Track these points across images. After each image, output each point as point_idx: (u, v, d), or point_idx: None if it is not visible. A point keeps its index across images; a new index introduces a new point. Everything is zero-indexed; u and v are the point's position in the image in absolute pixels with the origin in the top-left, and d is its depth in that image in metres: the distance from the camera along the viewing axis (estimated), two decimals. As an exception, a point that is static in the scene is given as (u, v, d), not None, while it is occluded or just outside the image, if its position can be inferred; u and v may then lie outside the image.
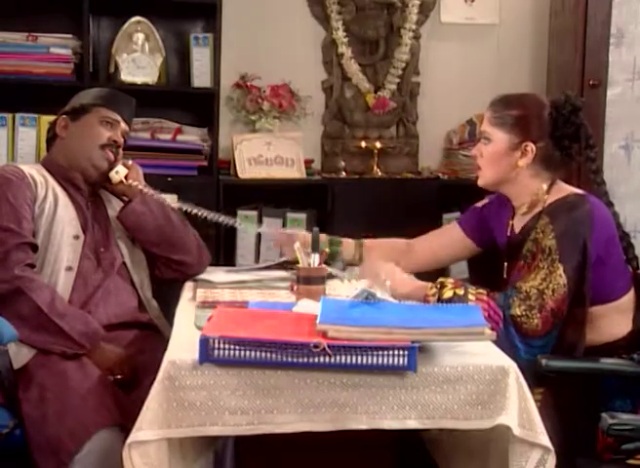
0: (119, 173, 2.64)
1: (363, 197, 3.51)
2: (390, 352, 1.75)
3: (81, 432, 2.09)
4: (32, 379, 2.23)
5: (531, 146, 2.37)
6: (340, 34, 3.80)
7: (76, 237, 2.49)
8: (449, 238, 2.68)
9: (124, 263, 2.60)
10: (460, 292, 2.22)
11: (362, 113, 3.88)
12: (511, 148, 2.39)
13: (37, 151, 3.42)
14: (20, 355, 2.27)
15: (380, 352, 1.74)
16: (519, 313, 2.20)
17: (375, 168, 3.76)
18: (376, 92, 3.87)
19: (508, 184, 2.44)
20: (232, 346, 1.74)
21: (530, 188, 2.40)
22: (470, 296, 2.21)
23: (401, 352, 1.75)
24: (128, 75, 3.46)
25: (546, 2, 3.89)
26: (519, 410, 1.80)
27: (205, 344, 1.74)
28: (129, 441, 1.73)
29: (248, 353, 1.74)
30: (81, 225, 2.53)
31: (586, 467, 2.11)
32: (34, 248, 2.40)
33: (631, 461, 2.05)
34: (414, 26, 3.84)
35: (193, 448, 1.91)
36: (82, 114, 2.63)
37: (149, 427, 1.73)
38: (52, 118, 3.42)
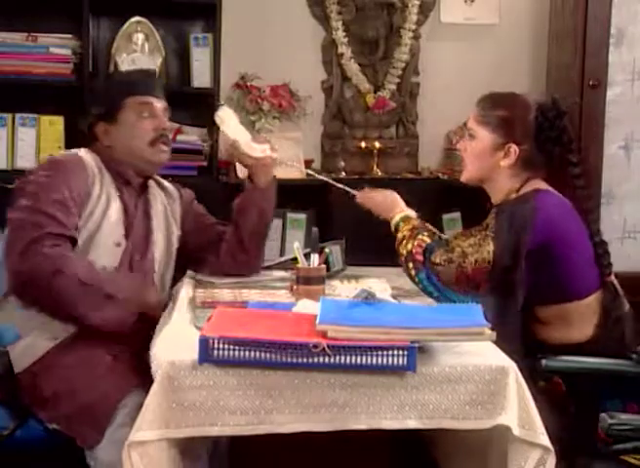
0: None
1: (363, 197, 3.51)
2: (390, 352, 1.74)
3: (114, 395, 2.13)
4: (55, 364, 2.24)
5: (514, 148, 2.39)
6: (339, 34, 3.80)
7: (118, 244, 2.43)
8: None
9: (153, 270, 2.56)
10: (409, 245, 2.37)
11: (362, 113, 3.88)
12: (495, 148, 2.41)
13: (37, 151, 3.42)
14: (36, 348, 2.27)
15: (380, 352, 1.74)
16: (439, 261, 2.30)
17: (374, 168, 3.77)
18: (375, 92, 3.87)
19: (489, 182, 2.47)
20: (232, 346, 1.74)
21: (507, 187, 2.43)
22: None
23: (400, 352, 1.75)
24: (128, 75, 3.45)
25: (546, 2, 3.89)
26: (519, 410, 1.80)
27: (204, 344, 1.74)
28: (128, 441, 1.73)
29: (247, 353, 1.74)
30: (125, 230, 2.46)
31: (586, 467, 2.12)
32: (73, 242, 2.33)
33: (630, 460, 2.05)
34: (413, 26, 3.85)
35: (192, 447, 1.91)
36: (116, 113, 2.51)
37: (149, 427, 1.73)
38: (51, 118, 3.44)
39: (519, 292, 2.26)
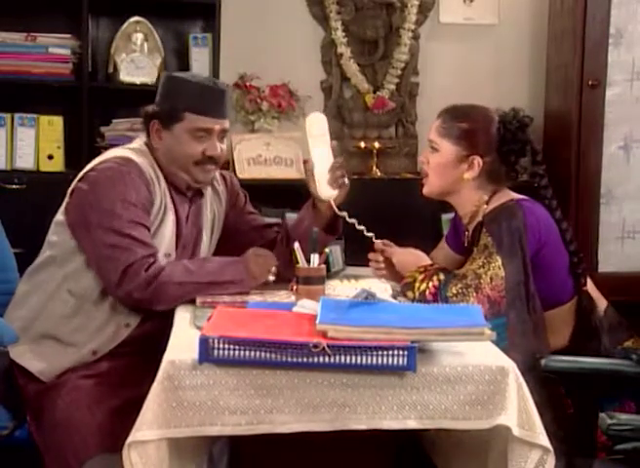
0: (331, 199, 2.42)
1: (362, 197, 3.49)
2: (390, 352, 1.74)
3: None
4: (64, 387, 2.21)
5: (477, 160, 2.37)
6: (339, 34, 3.80)
7: (167, 255, 2.36)
8: (442, 255, 2.66)
9: None
10: (423, 286, 2.28)
11: (361, 113, 3.89)
12: (458, 160, 2.39)
13: (36, 151, 3.42)
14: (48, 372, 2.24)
15: (380, 352, 1.74)
16: (455, 292, 2.23)
17: (374, 168, 3.77)
18: (375, 92, 3.87)
19: (453, 195, 2.46)
20: (232, 346, 1.74)
21: (473, 199, 2.42)
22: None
23: (400, 352, 1.74)
24: (127, 75, 3.46)
25: (545, 2, 3.90)
26: (518, 411, 1.80)
27: (204, 344, 1.74)
28: (128, 441, 1.73)
29: (247, 353, 1.74)
30: (175, 241, 2.40)
31: (585, 467, 2.12)
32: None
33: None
34: (413, 26, 3.85)
35: (192, 447, 1.91)
36: (173, 121, 2.33)
37: (149, 427, 1.73)
38: (50, 118, 3.44)
39: (536, 301, 2.26)
